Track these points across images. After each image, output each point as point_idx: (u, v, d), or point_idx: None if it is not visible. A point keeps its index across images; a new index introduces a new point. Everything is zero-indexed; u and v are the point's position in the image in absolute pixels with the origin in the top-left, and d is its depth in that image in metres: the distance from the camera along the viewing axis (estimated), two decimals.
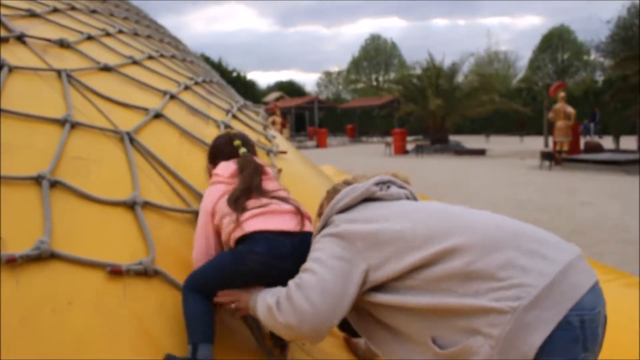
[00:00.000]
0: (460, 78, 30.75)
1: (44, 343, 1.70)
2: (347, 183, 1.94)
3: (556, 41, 55.82)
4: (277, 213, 1.98)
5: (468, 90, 28.69)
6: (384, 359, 1.77)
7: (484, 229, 1.59)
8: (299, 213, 2.03)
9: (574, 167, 16.47)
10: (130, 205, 2.26)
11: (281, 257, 1.87)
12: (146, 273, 2.03)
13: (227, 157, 2.25)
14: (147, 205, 2.30)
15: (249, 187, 2.05)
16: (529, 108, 29.60)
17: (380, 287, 1.67)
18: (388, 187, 1.90)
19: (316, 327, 1.63)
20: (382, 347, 1.73)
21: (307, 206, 2.10)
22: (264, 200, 2.01)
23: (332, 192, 1.94)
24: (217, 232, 2.09)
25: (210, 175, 2.30)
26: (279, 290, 1.76)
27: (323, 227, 1.84)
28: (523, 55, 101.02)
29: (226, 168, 2.18)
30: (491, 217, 1.69)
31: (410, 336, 1.64)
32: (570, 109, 17.33)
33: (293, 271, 1.78)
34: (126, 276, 1.98)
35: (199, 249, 2.10)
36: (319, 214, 1.97)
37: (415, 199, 1.94)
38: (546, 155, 17.03)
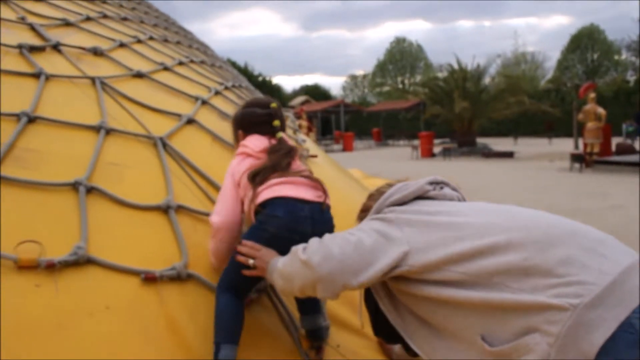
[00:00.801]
0: (487, 80, 30.41)
1: (81, 347, 1.73)
2: (390, 185, 1.93)
3: (585, 41, 54.85)
4: (296, 183, 1.97)
5: (495, 92, 28.34)
6: None
7: (542, 226, 1.56)
8: (320, 187, 2.02)
9: (605, 170, 16.15)
10: (164, 210, 2.28)
11: (300, 220, 1.87)
12: (179, 277, 2.06)
13: (261, 132, 2.18)
14: (180, 209, 2.33)
15: (274, 167, 2.01)
16: (557, 109, 29.08)
17: (425, 280, 1.62)
18: (442, 187, 1.89)
19: (333, 274, 1.59)
20: (423, 345, 1.69)
21: (337, 210, 2.10)
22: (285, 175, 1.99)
23: (377, 194, 1.92)
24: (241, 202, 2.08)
25: (238, 141, 2.25)
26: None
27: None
28: (551, 56, 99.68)
29: (258, 143, 2.12)
30: (549, 216, 1.65)
31: (454, 332, 1.59)
32: (600, 110, 17.00)
33: (312, 235, 1.76)
34: (160, 282, 2.01)
35: (223, 204, 2.06)
36: (360, 218, 1.97)
37: None
38: (576, 158, 16.72)
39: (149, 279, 1.99)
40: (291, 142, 2.18)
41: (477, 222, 1.61)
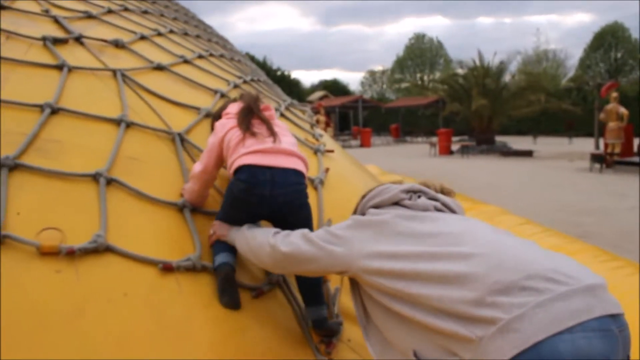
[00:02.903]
0: (507, 77, 30.10)
1: (99, 331, 1.78)
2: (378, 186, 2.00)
3: (609, 39, 53.97)
4: (265, 152, 2.16)
5: (515, 89, 28.07)
6: None
7: (486, 258, 1.51)
8: (289, 153, 2.21)
9: (626, 170, 15.94)
10: (180, 208, 2.34)
11: (258, 183, 2.10)
12: (194, 268, 2.11)
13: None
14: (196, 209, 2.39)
15: (249, 106, 2.32)
16: (578, 108, 28.72)
17: (372, 287, 1.72)
18: (419, 196, 1.88)
19: (285, 260, 1.89)
20: (375, 345, 1.78)
21: (352, 204, 2.11)
22: (259, 139, 2.20)
23: (367, 193, 2.01)
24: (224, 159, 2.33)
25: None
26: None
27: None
28: (573, 54, 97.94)
29: (235, 106, 2.41)
30: (504, 244, 1.59)
31: (395, 343, 1.68)
32: (622, 110, 16.79)
33: (270, 197, 2.10)
34: (177, 272, 2.05)
35: (204, 157, 2.34)
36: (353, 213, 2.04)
37: (449, 209, 1.88)
38: (596, 158, 16.54)
39: (167, 268, 2.04)
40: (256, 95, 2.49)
41: (420, 244, 1.64)
